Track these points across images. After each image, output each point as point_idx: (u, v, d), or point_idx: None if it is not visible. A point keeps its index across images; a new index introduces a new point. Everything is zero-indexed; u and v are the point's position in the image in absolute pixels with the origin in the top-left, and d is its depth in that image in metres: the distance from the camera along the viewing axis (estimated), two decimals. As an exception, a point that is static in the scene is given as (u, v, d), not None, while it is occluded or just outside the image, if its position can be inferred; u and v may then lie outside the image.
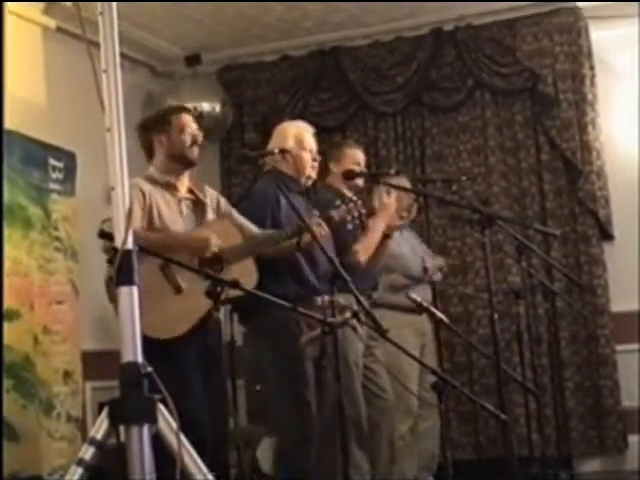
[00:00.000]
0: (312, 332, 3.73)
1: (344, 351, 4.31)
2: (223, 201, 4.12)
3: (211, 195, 4.08)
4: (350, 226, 4.21)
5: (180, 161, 3.94)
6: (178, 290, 3.68)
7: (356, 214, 4.16)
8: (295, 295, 3.96)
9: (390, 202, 4.78)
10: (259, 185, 4.45)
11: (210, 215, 4.00)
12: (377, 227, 4.72)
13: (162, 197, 3.85)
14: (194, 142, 3.95)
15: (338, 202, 4.18)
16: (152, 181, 3.88)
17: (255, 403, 5.85)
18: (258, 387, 5.05)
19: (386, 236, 4.80)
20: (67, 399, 5.02)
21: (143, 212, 3.75)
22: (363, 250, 4.61)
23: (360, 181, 4.84)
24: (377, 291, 4.88)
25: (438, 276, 5.46)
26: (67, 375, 5.05)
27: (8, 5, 5.01)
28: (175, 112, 4.04)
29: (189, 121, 4.00)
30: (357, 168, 4.83)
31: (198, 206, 3.99)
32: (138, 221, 3.68)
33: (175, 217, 3.86)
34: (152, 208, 3.79)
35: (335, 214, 4.10)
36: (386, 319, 4.78)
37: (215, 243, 3.78)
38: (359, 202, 4.21)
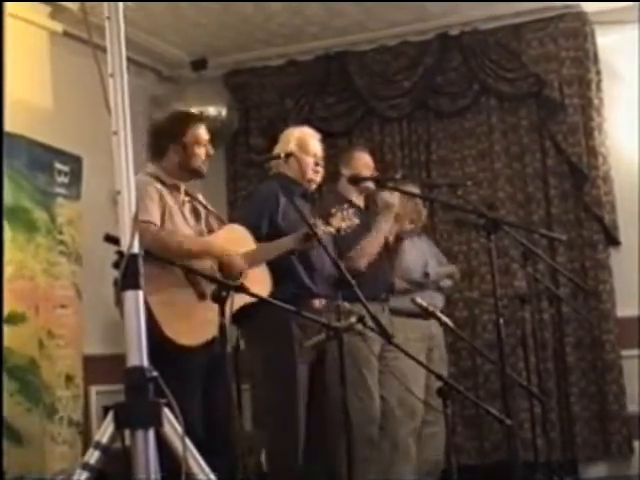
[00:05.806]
0: (317, 336, 3.72)
1: (354, 357, 4.32)
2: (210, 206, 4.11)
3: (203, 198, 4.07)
4: (343, 233, 4.17)
5: (191, 173, 3.92)
6: (201, 296, 3.63)
7: (347, 224, 4.11)
8: (291, 298, 3.87)
9: (392, 201, 4.74)
10: (261, 187, 4.46)
11: (203, 216, 3.97)
12: (380, 228, 4.70)
13: (170, 198, 3.82)
14: (208, 156, 3.95)
15: (333, 210, 4.15)
16: (159, 180, 3.83)
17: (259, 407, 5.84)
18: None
19: (399, 238, 4.78)
20: (69, 403, 5.01)
21: (159, 212, 3.72)
22: (359, 255, 4.58)
23: (370, 184, 4.80)
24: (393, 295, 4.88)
25: (447, 283, 5.45)
26: (69, 379, 5.04)
27: (15, 10, 5.02)
28: (192, 122, 3.97)
29: (204, 133, 3.96)
30: (367, 171, 4.82)
31: (196, 209, 3.96)
32: (157, 220, 3.68)
33: (180, 219, 3.83)
34: (165, 209, 3.76)
35: (332, 221, 4.09)
36: (392, 323, 4.80)
37: (244, 269, 3.79)
38: (351, 210, 4.16)
